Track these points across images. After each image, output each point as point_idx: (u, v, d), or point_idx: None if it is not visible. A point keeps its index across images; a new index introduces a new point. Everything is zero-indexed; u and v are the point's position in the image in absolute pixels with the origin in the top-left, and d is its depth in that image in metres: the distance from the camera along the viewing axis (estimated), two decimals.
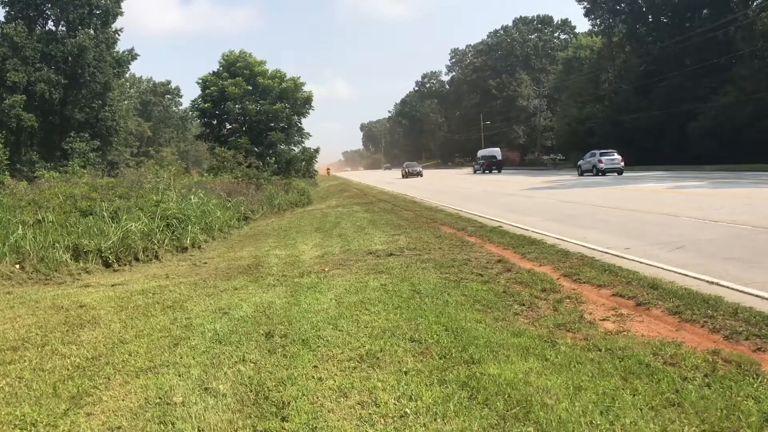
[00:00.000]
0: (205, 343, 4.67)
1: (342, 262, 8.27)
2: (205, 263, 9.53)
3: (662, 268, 6.53)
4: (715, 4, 41.91)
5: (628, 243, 8.41)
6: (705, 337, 4.26)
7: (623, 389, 3.33)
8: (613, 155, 31.85)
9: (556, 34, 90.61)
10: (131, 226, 10.45)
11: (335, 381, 3.70)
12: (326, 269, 7.72)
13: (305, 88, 34.68)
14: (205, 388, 3.71)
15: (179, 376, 3.97)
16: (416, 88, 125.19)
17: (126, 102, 55.11)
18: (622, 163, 31.65)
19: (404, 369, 3.83)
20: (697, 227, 9.46)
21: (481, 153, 54.79)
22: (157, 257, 10.29)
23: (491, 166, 49.78)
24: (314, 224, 14.78)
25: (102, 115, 42.72)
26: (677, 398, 3.17)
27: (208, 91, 32.57)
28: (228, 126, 33.80)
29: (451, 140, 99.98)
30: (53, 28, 42.26)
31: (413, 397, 3.38)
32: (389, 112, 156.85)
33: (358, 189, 33.22)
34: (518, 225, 11.26)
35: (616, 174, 30.88)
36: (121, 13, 44.12)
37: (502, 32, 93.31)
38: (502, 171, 49.39)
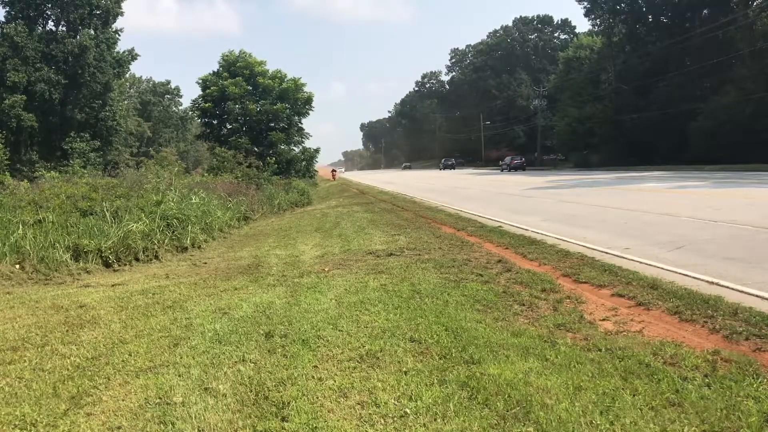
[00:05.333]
0: (205, 343, 4.67)
1: (342, 262, 8.27)
2: (205, 263, 9.53)
3: (662, 268, 6.53)
4: (715, 4, 41.90)
5: (628, 243, 8.41)
6: (705, 337, 4.26)
7: (623, 389, 3.33)
8: None
9: (556, 34, 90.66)
10: (132, 226, 10.45)
11: (335, 381, 3.70)
12: (326, 269, 7.72)
13: (305, 89, 34.68)
14: (205, 388, 3.71)
15: (179, 376, 3.97)
16: (416, 88, 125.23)
17: (126, 102, 55.07)
18: None
19: (404, 369, 3.83)
20: (697, 227, 9.46)
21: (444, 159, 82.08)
22: (157, 257, 10.29)
23: (448, 167, 73.62)
24: (314, 224, 14.78)
25: (102, 115, 42.69)
26: (677, 398, 3.17)
27: (208, 91, 32.56)
28: (228, 126, 33.76)
29: (451, 140, 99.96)
30: (53, 28, 42.24)
31: (413, 397, 3.38)
32: (389, 112, 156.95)
33: (358, 189, 33.25)
34: (518, 225, 11.26)
35: None
36: (122, 13, 44.07)
37: (502, 32, 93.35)
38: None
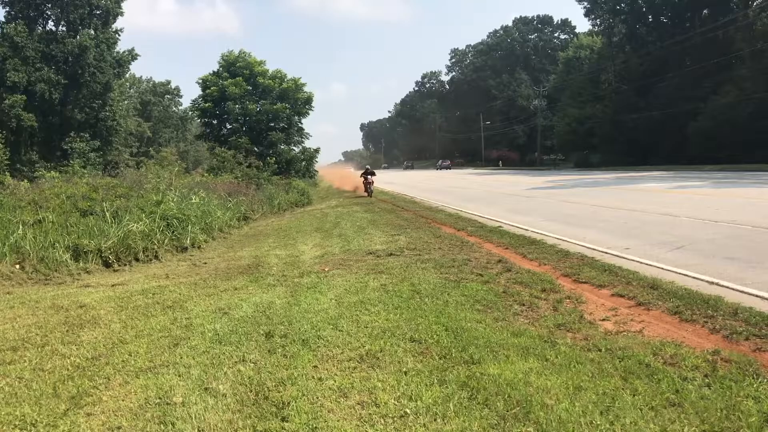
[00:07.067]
0: (205, 343, 4.67)
1: (342, 262, 8.27)
2: (205, 263, 9.53)
3: (662, 268, 6.53)
4: (715, 4, 41.93)
5: (628, 243, 8.41)
6: (705, 337, 4.27)
7: (623, 389, 3.33)
8: None
9: (556, 34, 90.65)
10: (132, 226, 10.44)
11: (335, 381, 3.70)
12: (326, 269, 7.73)
13: (305, 89, 34.65)
14: (205, 388, 3.71)
15: (179, 376, 3.97)
16: (416, 88, 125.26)
17: (126, 102, 55.03)
18: None
19: (404, 369, 3.83)
20: (697, 227, 9.46)
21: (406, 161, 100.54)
22: (157, 257, 10.28)
23: (409, 167, 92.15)
24: (314, 224, 14.78)
25: (102, 115, 42.67)
26: (677, 398, 3.17)
27: (208, 91, 32.51)
28: (228, 126, 33.71)
29: (451, 140, 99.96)
30: (53, 28, 42.20)
31: (413, 397, 3.38)
32: (389, 112, 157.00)
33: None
34: (518, 225, 11.26)
35: None
36: (122, 13, 44.04)
37: (502, 32, 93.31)
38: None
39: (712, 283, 5.74)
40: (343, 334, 4.64)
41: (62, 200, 11.50)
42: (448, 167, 75.64)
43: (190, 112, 45.30)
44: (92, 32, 41.97)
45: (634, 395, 3.25)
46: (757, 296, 5.18)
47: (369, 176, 25.51)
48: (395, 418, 3.15)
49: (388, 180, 47.11)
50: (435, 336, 4.44)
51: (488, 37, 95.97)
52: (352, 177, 32.44)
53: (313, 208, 21.76)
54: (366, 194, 25.18)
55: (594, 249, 8.08)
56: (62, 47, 39.66)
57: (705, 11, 43.55)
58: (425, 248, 8.94)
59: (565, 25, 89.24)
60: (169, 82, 75.01)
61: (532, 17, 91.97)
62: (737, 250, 7.25)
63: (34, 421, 3.38)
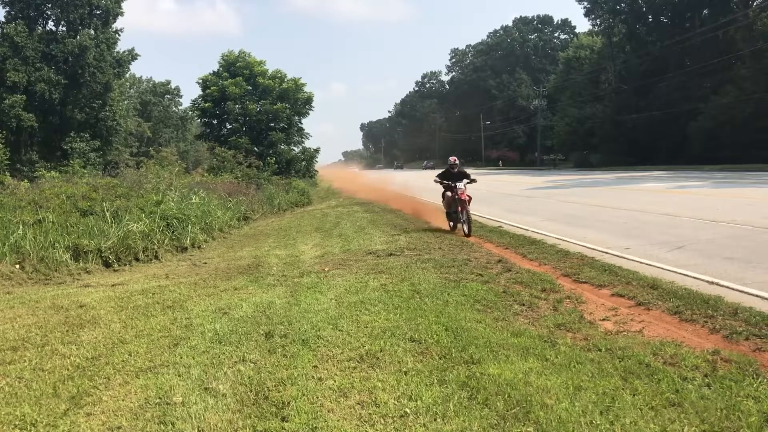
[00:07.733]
0: (205, 343, 4.67)
1: (342, 262, 8.27)
2: (205, 263, 9.53)
3: (662, 268, 6.54)
4: (715, 4, 41.88)
5: (628, 243, 8.41)
6: (705, 337, 4.27)
7: (623, 389, 3.33)
8: None
9: (556, 34, 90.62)
10: (132, 226, 10.45)
11: (335, 381, 3.70)
12: (326, 269, 7.72)
13: (305, 89, 34.66)
14: (205, 388, 3.71)
15: (179, 376, 3.97)
16: (416, 88, 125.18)
17: (126, 102, 54.97)
18: None
19: (404, 369, 3.83)
20: (696, 227, 9.46)
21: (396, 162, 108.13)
22: (157, 257, 10.28)
23: (399, 167, 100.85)
24: (314, 224, 14.78)
25: (102, 115, 42.64)
26: (677, 398, 3.17)
27: (208, 91, 32.51)
28: (228, 126, 33.72)
29: (451, 140, 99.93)
30: (53, 28, 42.16)
31: (413, 397, 3.38)
32: (389, 112, 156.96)
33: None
34: (518, 225, 11.27)
35: None
36: (122, 13, 44.02)
37: (502, 32, 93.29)
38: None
39: (712, 283, 5.74)
40: (343, 334, 4.64)
41: (62, 200, 11.50)
42: (432, 167, 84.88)
43: (190, 112, 45.28)
44: (92, 32, 41.93)
45: (634, 395, 3.25)
46: (757, 296, 5.18)
47: (458, 183, 10.99)
48: (395, 418, 3.15)
49: (388, 179, 47.06)
50: (435, 336, 4.44)
51: (488, 37, 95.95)
52: (356, 177, 31.22)
53: (313, 208, 21.76)
54: (450, 226, 11.63)
55: (594, 249, 8.08)
56: (62, 47, 39.63)
57: (705, 11, 43.51)
58: (425, 248, 8.94)
59: (565, 25, 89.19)
60: (169, 82, 74.83)
61: (532, 17, 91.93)
62: (737, 250, 7.25)
63: (34, 421, 3.38)
